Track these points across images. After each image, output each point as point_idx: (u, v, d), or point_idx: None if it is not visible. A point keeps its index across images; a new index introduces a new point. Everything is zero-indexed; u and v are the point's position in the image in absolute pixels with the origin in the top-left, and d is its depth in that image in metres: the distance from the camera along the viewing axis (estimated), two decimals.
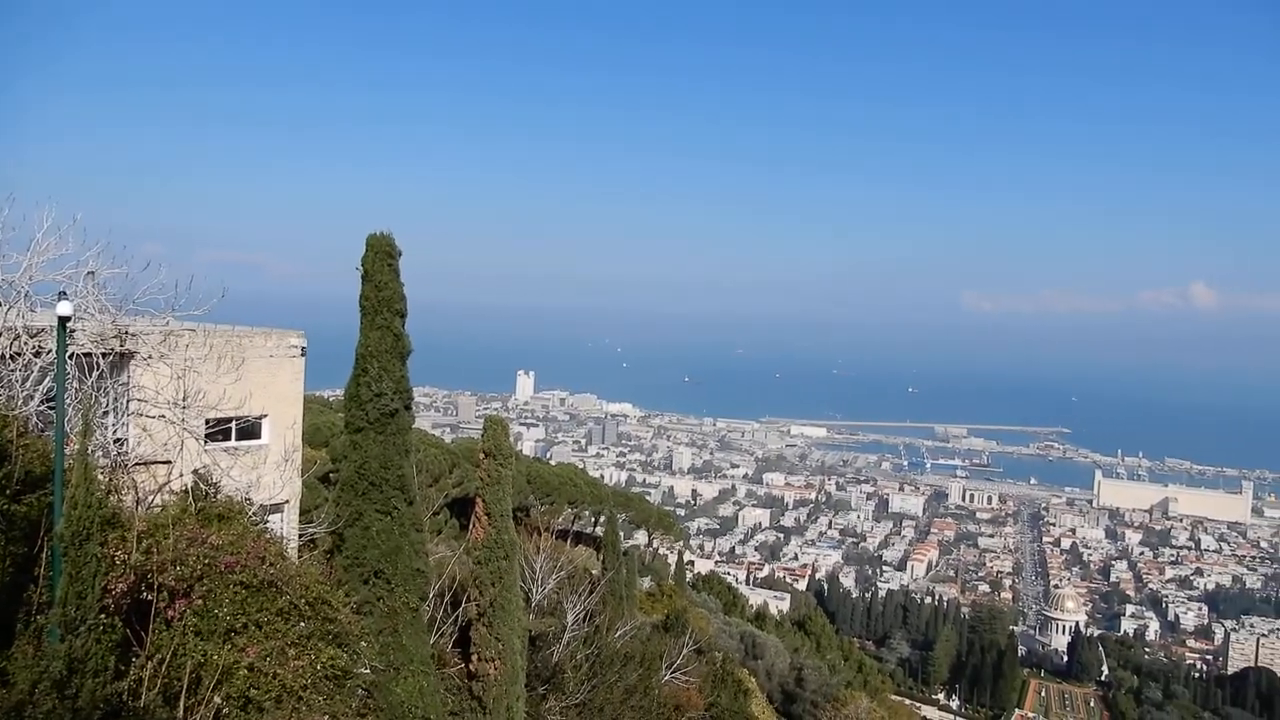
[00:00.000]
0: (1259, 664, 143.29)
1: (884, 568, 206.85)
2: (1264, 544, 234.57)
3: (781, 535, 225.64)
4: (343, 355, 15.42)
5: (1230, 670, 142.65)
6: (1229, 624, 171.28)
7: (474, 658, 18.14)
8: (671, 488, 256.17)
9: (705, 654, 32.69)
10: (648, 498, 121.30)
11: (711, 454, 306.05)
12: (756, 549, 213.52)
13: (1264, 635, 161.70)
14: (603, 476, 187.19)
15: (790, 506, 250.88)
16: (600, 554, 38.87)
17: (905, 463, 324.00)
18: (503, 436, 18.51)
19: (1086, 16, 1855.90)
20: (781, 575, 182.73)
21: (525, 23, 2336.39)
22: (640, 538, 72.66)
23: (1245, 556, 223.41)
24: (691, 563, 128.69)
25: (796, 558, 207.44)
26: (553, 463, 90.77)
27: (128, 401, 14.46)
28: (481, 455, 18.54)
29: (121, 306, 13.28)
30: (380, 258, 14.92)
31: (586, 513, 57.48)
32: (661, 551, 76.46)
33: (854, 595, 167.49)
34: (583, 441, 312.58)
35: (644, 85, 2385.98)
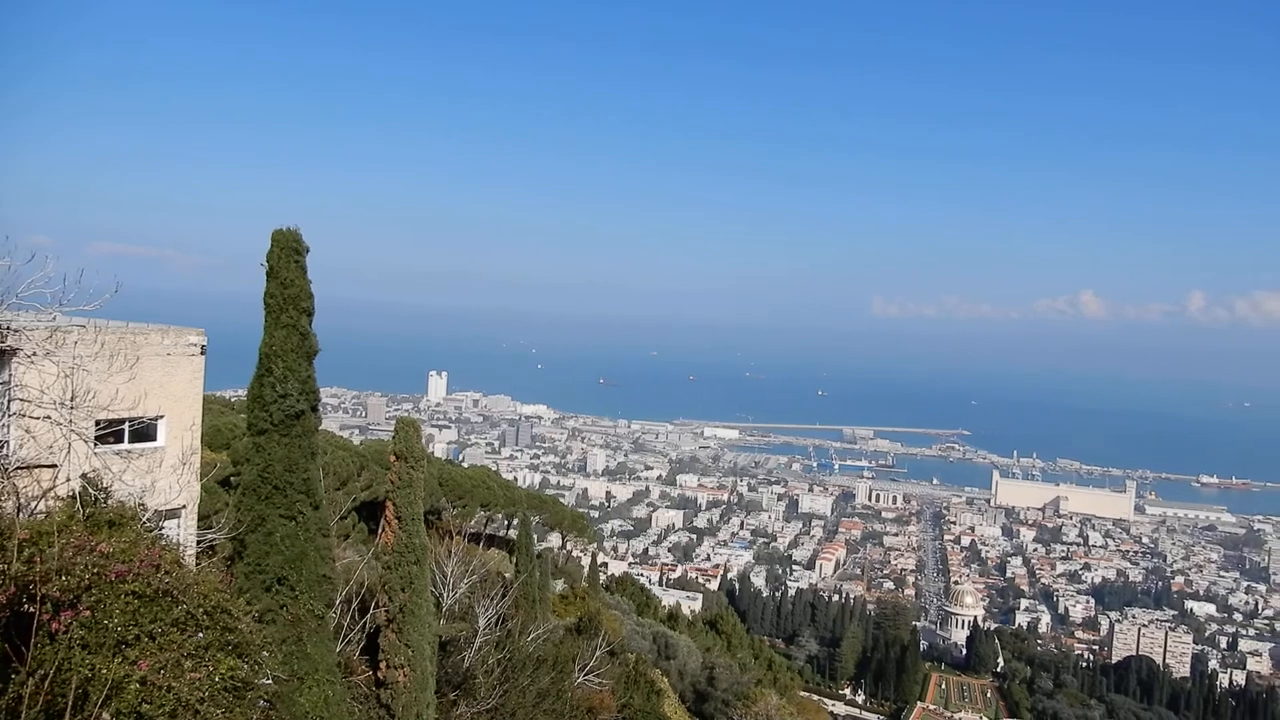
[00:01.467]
0: (1140, 653, 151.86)
1: (794, 567, 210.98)
2: (1145, 539, 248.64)
3: (694, 536, 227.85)
4: (248, 354, 14.87)
5: (1114, 659, 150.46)
6: (1113, 615, 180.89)
7: (383, 665, 17.73)
8: (586, 490, 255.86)
9: (618, 656, 32.74)
10: (562, 500, 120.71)
11: (626, 456, 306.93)
12: (670, 550, 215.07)
13: (1144, 626, 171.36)
14: (516, 479, 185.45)
15: (703, 507, 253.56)
16: (513, 557, 38.52)
17: (815, 464, 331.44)
18: (414, 438, 18.16)
19: (980, 23, 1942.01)
20: (694, 576, 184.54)
21: (449, 20, 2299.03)
22: (554, 540, 72.29)
23: (1128, 551, 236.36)
24: (605, 564, 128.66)
25: (709, 558, 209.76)
26: (465, 465, 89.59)
27: (9, 401, 13.61)
28: (392, 457, 18.14)
29: (3, 301, 12.50)
30: (286, 254, 14.43)
31: (500, 515, 56.88)
32: (575, 554, 76.20)
33: (765, 594, 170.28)
34: (496, 443, 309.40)
35: (568, 88, 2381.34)
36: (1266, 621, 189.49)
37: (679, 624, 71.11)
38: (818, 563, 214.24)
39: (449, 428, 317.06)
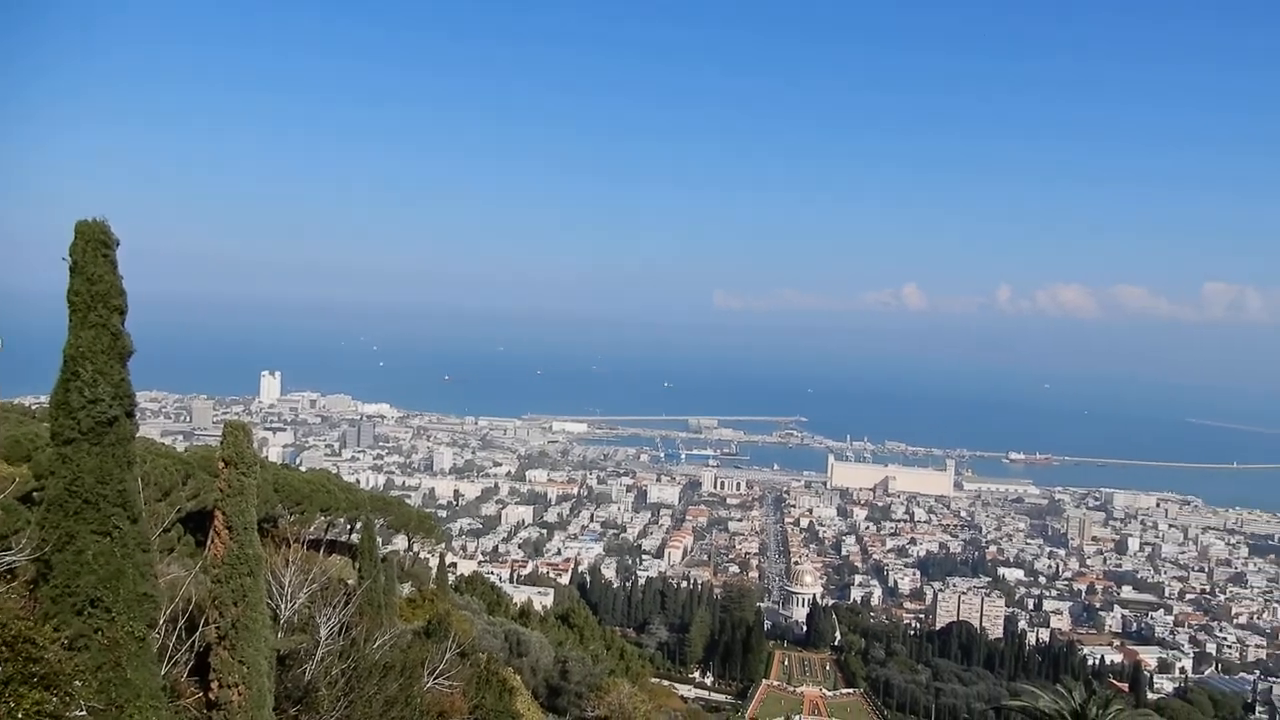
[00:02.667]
0: (960, 618, 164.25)
1: (643, 556, 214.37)
2: (963, 514, 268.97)
3: (545, 531, 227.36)
4: (51, 358, 13.55)
5: (938, 626, 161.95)
6: (937, 585, 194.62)
7: (214, 685, 16.66)
8: (433, 489, 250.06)
9: (469, 656, 32.23)
10: (408, 500, 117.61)
11: (474, 453, 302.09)
12: (520, 546, 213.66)
13: (963, 594, 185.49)
14: (359, 481, 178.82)
15: (553, 502, 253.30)
16: (357, 562, 37.14)
17: (662, 454, 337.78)
18: (245, 442, 17.14)
19: (815, 18, 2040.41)
20: (545, 571, 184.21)
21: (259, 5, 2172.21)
22: (400, 543, 70.22)
23: (949, 525, 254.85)
24: (454, 564, 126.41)
25: (560, 552, 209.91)
26: (303, 469, 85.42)
27: None
28: (221, 464, 17.05)
29: None
30: (93, 247, 13.24)
31: (342, 520, 54.63)
32: (423, 555, 74.33)
33: (615, 585, 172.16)
34: (337, 445, 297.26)
35: (402, 78, 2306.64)
36: (1066, 583, 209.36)
37: (531, 620, 70.80)
38: (667, 551, 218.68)
39: (284, 430, 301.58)
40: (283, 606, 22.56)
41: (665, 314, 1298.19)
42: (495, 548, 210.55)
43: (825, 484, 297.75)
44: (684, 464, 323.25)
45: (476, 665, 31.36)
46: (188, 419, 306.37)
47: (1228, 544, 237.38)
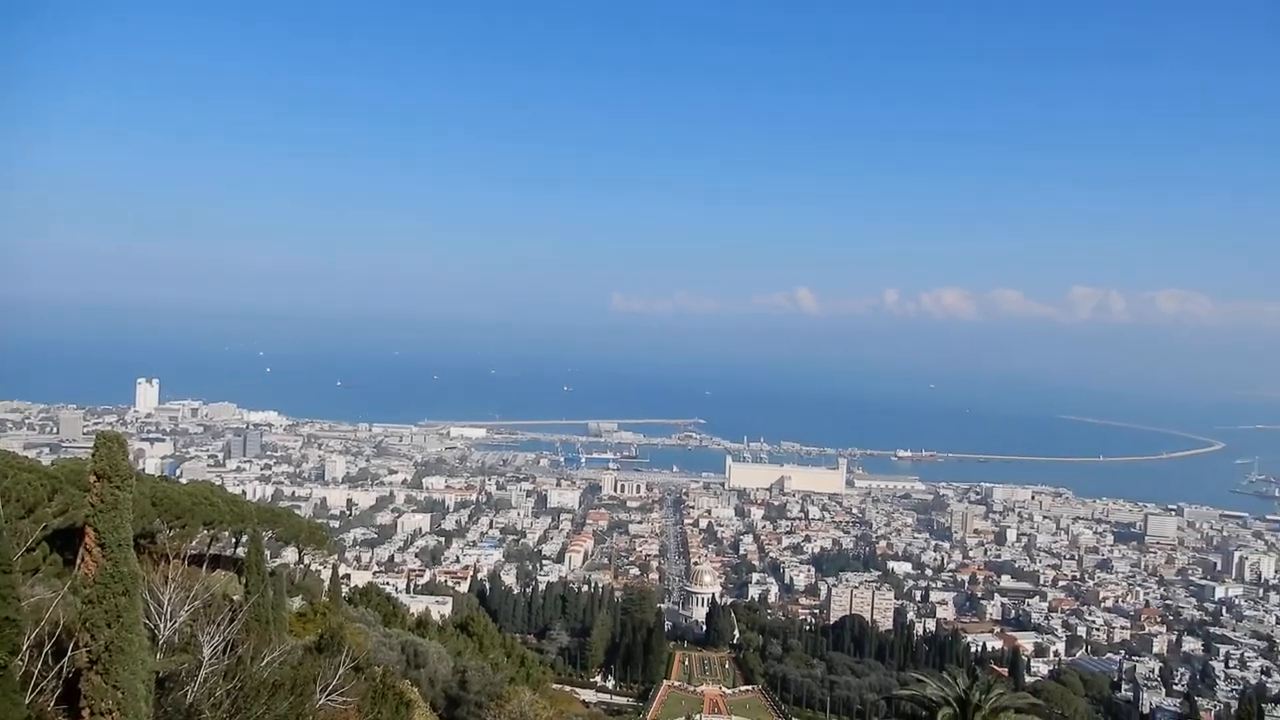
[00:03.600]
0: (853, 612, 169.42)
1: (544, 562, 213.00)
2: (855, 510, 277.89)
3: (443, 539, 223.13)
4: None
5: (832, 620, 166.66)
6: (830, 581, 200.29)
7: (86, 712, 15.72)
8: (324, 499, 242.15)
9: (364, 671, 31.31)
10: (297, 511, 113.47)
11: (368, 461, 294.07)
12: (417, 555, 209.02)
13: (855, 588, 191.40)
14: (245, 492, 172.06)
15: (451, 509, 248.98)
16: (243, 577, 35.60)
17: (562, 459, 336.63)
18: (119, 454, 16.24)
19: (703, 20, 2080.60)
20: (444, 579, 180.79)
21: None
22: (290, 555, 67.76)
23: (841, 522, 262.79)
24: (348, 576, 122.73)
25: (459, 560, 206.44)
26: (184, 481, 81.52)
27: None
28: (92, 477, 16.11)
29: None
30: None
31: (226, 533, 52.29)
32: (314, 568, 71.87)
33: (516, 592, 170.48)
34: (221, 455, 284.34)
35: (288, 82, 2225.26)
36: (951, 574, 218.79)
37: (429, 630, 69.35)
38: (567, 555, 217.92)
39: (163, 441, 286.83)
40: (162, 626, 21.47)
41: (565, 317, 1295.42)
42: (391, 557, 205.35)
43: (723, 485, 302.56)
44: (584, 468, 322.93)
45: (372, 679, 30.52)
46: (54, 430, 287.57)
47: (1095, 533, 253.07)
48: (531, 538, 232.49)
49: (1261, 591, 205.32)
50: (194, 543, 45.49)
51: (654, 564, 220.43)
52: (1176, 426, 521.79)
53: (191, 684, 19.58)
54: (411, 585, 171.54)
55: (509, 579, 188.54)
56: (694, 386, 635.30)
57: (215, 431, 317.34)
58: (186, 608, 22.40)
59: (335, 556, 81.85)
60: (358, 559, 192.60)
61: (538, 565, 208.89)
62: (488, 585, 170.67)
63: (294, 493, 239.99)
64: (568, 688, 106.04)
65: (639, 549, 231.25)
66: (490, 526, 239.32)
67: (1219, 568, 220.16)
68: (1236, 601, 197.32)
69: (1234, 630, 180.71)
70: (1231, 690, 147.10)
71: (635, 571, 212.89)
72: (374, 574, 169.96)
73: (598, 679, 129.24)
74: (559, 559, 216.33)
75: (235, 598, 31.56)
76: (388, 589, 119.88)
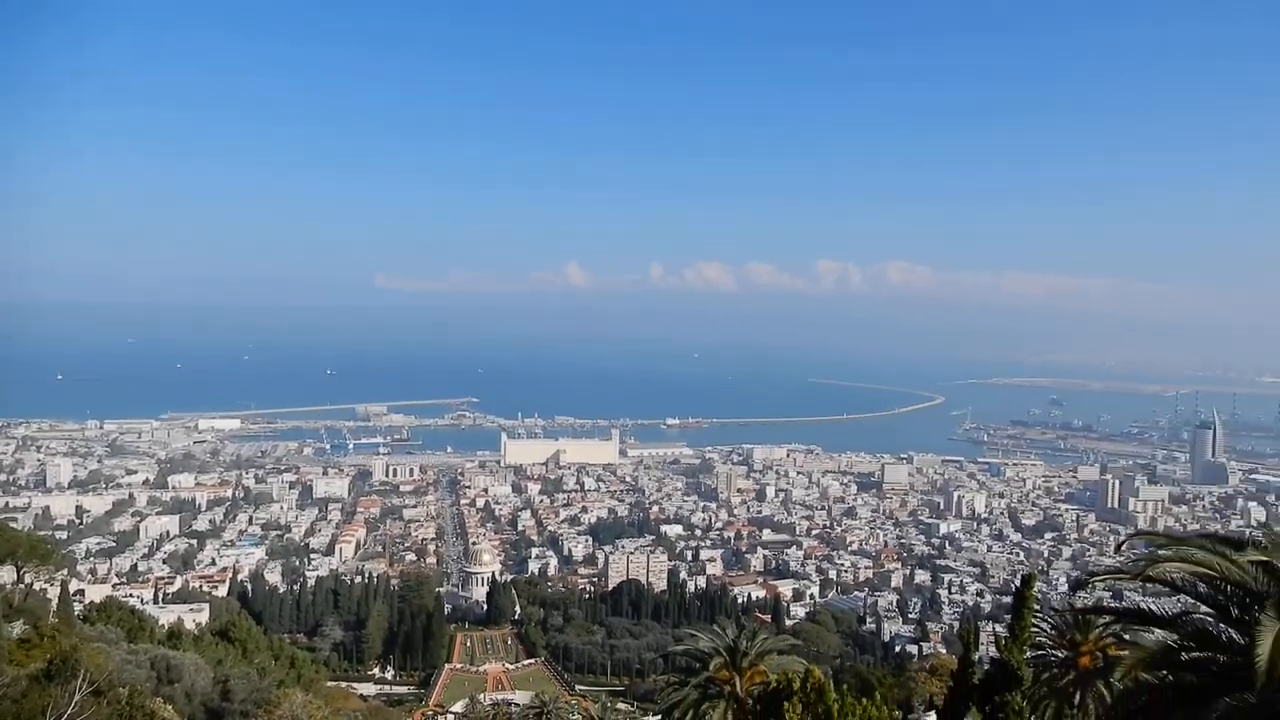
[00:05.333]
0: (630, 577, 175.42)
1: (312, 556, 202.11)
2: (628, 479, 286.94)
3: (195, 541, 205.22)
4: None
5: (610, 586, 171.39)
6: (607, 549, 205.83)
7: None
8: (47, 507, 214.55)
9: (106, 694, 28.32)
10: (13, 524, 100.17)
11: (100, 462, 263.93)
12: (166, 561, 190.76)
13: (631, 553, 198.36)
14: None
15: (204, 508, 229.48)
16: None
17: (328, 446, 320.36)
18: None
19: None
20: (199, 585, 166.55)
21: None
22: (6, 575, 59.55)
23: (616, 491, 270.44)
24: (81, 592, 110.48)
25: (215, 562, 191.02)
26: None
27: None
28: None
29: None
30: None
31: None
32: (39, 586, 63.60)
33: (282, 590, 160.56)
34: None
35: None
36: (718, 532, 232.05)
37: (183, 641, 63.79)
38: (338, 547, 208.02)
39: None
40: None
41: (325, 297, 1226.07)
42: (134, 566, 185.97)
43: (499, 462, 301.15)
44: (353, 454, 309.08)
45: (116, 702, 27.73)
46: None
47: (842, 484, 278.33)
48: (297, 531, 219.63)
49: (976, 525, 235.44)
50: None
51: (431, 548, 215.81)
52: (906, 385, 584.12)
53: None
54: (161, 595, 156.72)
55: (274, 577, 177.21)
56: (467, 365, 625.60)
57: None
58: None
59: (64, 571, 73.02)
60: (93, 572, 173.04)
61: (305, 560, 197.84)
62: (249, 586, 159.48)
63: (7, 503, 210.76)
64: (344, 684, 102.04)
65: (415, 534, 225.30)
66: (250, 523, 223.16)
67: (942, 507, 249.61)
68: (957, 535, 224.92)
69: (955, 561, 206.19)
70: (954, 613, 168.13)
71: (412, 557, 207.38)
72: (114, 587, 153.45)
73: (376, 671, 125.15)
74: (329, 551, 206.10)
75: None
76: (132, 601, 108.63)
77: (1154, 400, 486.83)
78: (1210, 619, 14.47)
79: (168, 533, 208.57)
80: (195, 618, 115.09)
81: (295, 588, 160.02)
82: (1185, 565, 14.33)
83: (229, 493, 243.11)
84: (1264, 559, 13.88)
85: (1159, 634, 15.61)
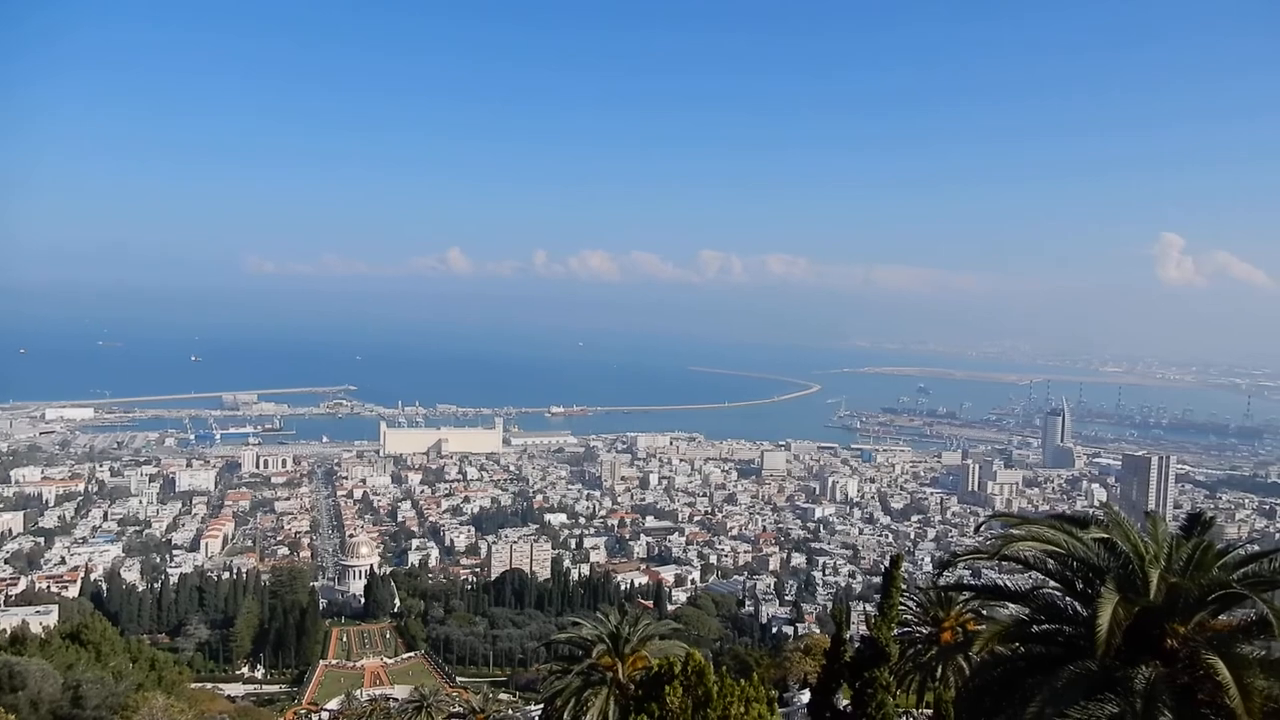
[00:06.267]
0: (513, 566, 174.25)
1: (175, 552, 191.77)
2: (512, 467, 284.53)
3: (42, 540, 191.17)
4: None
5: (493, 576, 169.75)
6: (490, 539, 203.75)
7: None
8: None
9: None
10: None
11: None
12: (8, 561, 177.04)
13: (515, 543, 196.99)
14: None
15: (51, 504, 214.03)
16: None
17: (193, 437, 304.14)
18: None
19: None
20: (46, 586, 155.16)
21: None
22: None
23: (500, 480, 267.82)
24: None
25: (65, 561, 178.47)
26: None
27: None
28: None
29: None
30: None
31: None
32: None
33: (141, 589, 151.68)
34: None
35: None
36: (602, 520, 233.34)
37: (28, 647, 59.40)
38: (203, 542, 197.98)
39: None
40: None
41: (189, 280, 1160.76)
42: None
43: (378, 452, 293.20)
44: (220, 445, 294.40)
45: None
46: None
47: (723, 470, 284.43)
48: (158, 527, 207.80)
49: (849, 509, 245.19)
50: None
51: (305, 541, 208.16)
52: (784, 373, 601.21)
53: None
54: (4, 598, 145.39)
55: (131, 576, 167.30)
56: (344, 352, 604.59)
57: None
58: None
59: None
60: None
61: (167, 557, 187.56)
62: (104, 585, 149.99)
63: None
64: (210, 685, 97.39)
65: (287, 527, 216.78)
66: (105, 519, 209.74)
67: (817, 492, 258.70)
68: (831, 519, 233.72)
69: (829, 544, 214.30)
70: (828, 594, 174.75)
71: (284, 551, 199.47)
72: None
73: (245, 670, 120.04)
74: (193, 547, 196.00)
75: None
76: None
77: (1010, 389, 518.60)
78: (1058, 593, 15.56)
79: (10, 530, 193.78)
80: (43, 620, 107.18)
81: (156, 586, 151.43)
82: (1036, 544, 15.34)
83: (81, 486, 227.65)
84: (1105, 536, 15.02)
85: (1013, 608, 16.66)
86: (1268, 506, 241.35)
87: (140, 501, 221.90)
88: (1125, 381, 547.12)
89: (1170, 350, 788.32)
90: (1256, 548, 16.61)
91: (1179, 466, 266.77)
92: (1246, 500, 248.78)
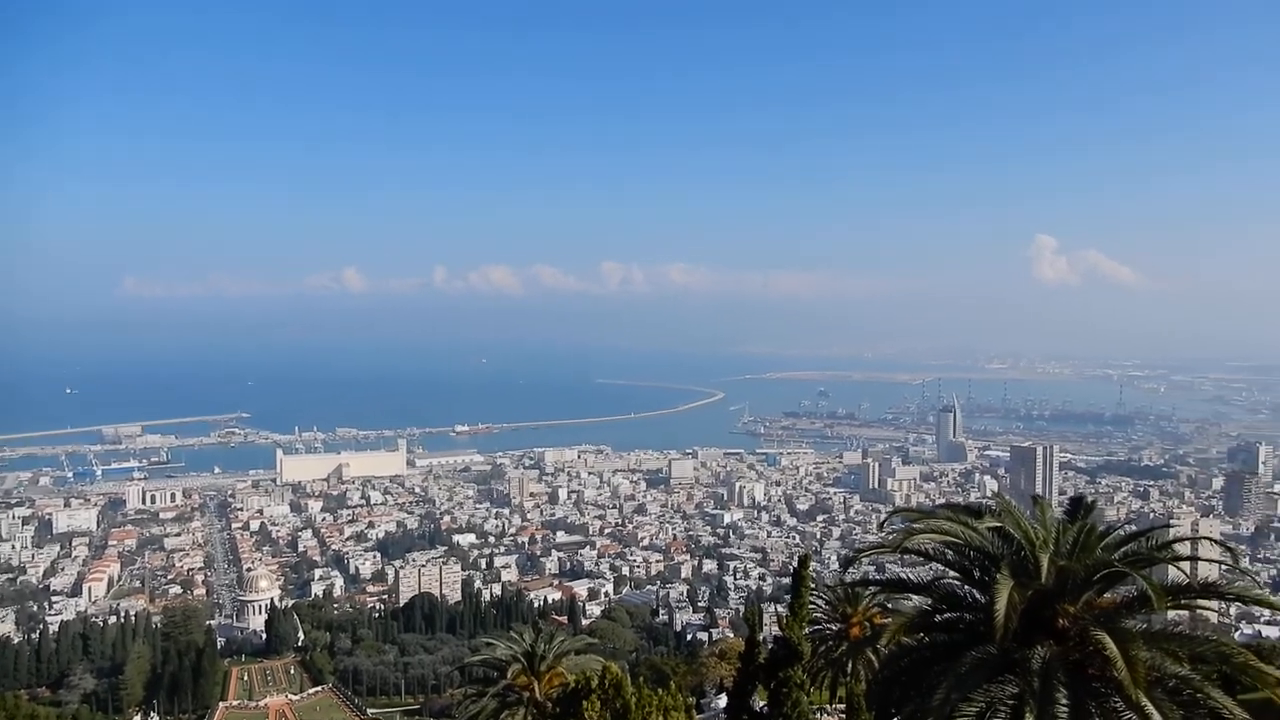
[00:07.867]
0: (422, 590, 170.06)
1: (54, 599, 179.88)
2: (417, 489, 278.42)
3: None
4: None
5: (402, 602, 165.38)
6: (397, 564, 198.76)
7: None
8: None
9: None
10: None
11: None
12: None
13: (423, 566, 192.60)
14: None
15: None
16: None
17: (70, 474, 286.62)
18: None
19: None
20: None
21: None
22: None
23: (405, 503, 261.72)
24: None
25: None
26: None
27: None
28: None
29: None
30: None
31: None
32: None
33: (16, 641, 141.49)
34: None
35: None
36: (512, 538, 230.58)
37: None
38: (85, 586, 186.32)
39: None
40: None
41: (59, 308, 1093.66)
42: None
43: (275, 481, 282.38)
44: (101, 481, 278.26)
45: None
46: None
47: (631, 481, 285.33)
48: (34, 572, 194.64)
49: (756, 513, 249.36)
50: None
51: (199, 578, 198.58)
52: (689, 382, 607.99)
53: None
54: None
55: (5, 627, 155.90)
56: (235, 377, 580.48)
57: None
58: None
59: None
60: None
61: (46, 604, 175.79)
62: None
63: None
64: None
65: (179, 564, 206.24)
66: None
67: (725, 498, 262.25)
68: (739, 524, 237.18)
69: (739, 548, 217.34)
70: (740, 598, 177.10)
71: (177, 590, 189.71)
72: None
73: (138, 719, 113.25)
74: (74, 592, 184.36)
75: None
76: None
77: (905, 388, 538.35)
78: (958, 582, 16.18)
79: None
80: None
81: (34, 636, 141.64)
82: (935, 536, 15.94)
83: None
84: (998, 525, 15.72)
85: (916, 600, 17.22)
86: (1142, 489, 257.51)
87: (13, 547, 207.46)
88: (1010, 377, 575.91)
89: (1049, 345, 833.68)
90: (1134, 528, 17.71)
91: (1061, 455, 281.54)
92: (1123, 484, 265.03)
